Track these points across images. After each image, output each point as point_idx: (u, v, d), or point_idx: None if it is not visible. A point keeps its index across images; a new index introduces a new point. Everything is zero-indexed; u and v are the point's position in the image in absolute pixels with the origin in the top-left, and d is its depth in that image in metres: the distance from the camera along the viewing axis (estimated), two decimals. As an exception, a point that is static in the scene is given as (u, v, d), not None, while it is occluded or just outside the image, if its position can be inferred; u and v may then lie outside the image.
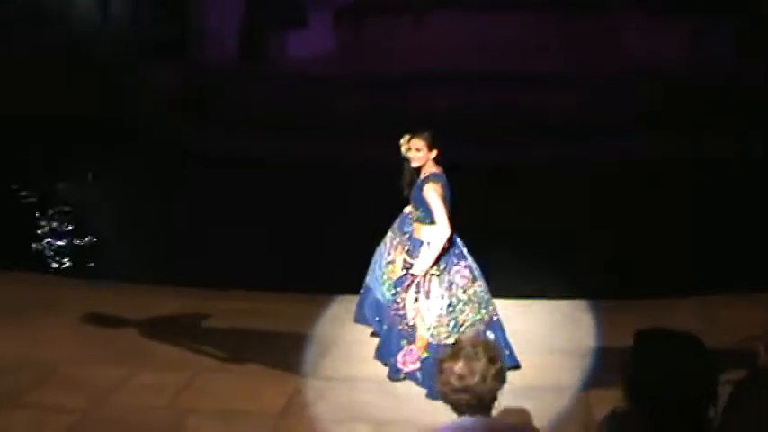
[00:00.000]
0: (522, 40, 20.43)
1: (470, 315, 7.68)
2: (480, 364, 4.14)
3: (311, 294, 10.12)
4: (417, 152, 7.59)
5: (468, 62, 19.08)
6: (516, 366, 7.88)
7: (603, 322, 9.10)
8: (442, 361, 4.33)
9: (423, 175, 7.69)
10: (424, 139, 7.56)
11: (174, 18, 21.54)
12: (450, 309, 7.64)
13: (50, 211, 14.76)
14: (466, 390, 4.12)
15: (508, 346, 7.88)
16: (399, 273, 7.95)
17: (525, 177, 14.76)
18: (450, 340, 7.32)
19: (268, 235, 12.72)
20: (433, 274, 7.66)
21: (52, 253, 13.20)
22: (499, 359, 4.29)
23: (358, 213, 12.61)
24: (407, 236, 7.95)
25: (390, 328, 7.96)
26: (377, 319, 8.38)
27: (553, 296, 9.97)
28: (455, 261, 7.73)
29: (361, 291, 8.57)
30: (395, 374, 7.94)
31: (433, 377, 6.84)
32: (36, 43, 21.00)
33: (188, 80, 19.83)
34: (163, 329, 9.39)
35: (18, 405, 8.01)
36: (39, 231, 14.08)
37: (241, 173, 15.26)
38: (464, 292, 7.69)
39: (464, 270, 7.73)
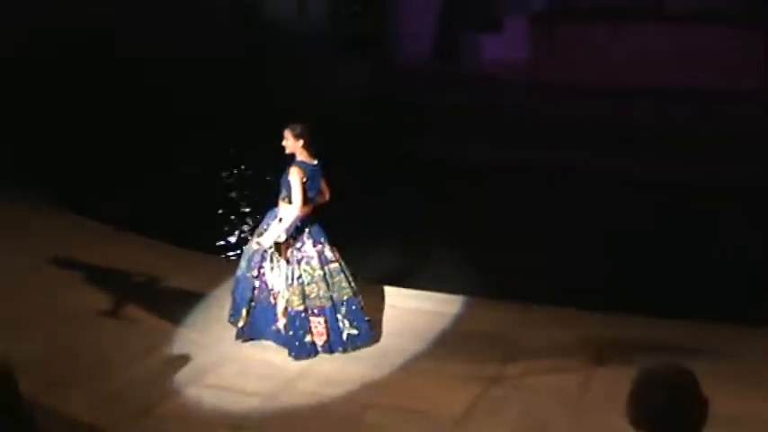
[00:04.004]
0: (722, 55, 19.65)
1: (317, 291, 8.53)
2: (679, 394, 3.78)
3: (500, 300, 10.06)
4: (286, 141, 8.55)
5: (663, 76, 18.52)
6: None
7: None
8: (638, 385, 3.94)
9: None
10: (291, 130, 8.52)
11: (370, 15, 21.67)
12: (300, 280, 8.52)
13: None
14: (662, 421, 3.77)
15: (357, 326, 8.70)
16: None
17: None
18: (302, 307, 8.47)
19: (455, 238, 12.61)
20: (287, 247, 8.54)
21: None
22: (700, 390, 3.90)
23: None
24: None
25: (259, 302, 8.74)
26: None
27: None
28: (309, 242, 8.61)
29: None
30: (278, 339, 8.71)
31: (295, 338, 8.41)
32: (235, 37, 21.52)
33: (382, 77, 19.91)
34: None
35: (201, 386, 8.14)
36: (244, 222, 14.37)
37: (424, 171, 15.23)
38: (312, 270, 8.55)
39: (312, 252, 8.59)
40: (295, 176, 8.39)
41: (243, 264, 8.88)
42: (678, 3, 20.16)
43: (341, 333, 8.61)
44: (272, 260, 8.62)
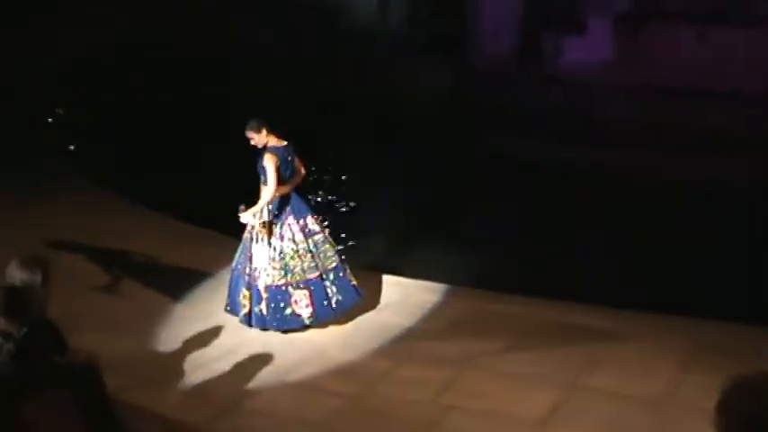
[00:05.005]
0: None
1: (300, 263, 9.09)
2: None
3: (581, 303, 9.95)
4: (251, 139, 9.16)
5: (749, 79, 18.22)
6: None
7: None
8: (727, 392, 3.85)
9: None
10: (249, 129, 9.14)
11: (451, 16, 21.67)
12: (282, 255, 9.07)
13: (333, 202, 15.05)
14: (753, 429, 3.67)
15: (343, 291, 9.31)
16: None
17: None
18: (283, 282, 9.01)
19: (535, 239, 12.54)
20: (266, 226, 9.11)
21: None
22: None
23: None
24: None
25: (237, 278, 9.32)
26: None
27: None
28: (289, 218, 9.16)
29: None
30: (239, 314, 9.26)
31: (276, 311, 8.94)
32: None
33: (462, 78, 19.90)
34: (431, 326, 9.41)
35: (284, 384, 8.25)
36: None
37: (505, 174, 15.19)
38: (294, 243, 9.11)
39: (296, 227, 9.15)
40: (269, 162, 9.00)
41: (236, 256, 9.42)
42: (766, 4, 19.85)
43: (330, 301, 9.18)
44: (258, 242, 9.14)
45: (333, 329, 9.31)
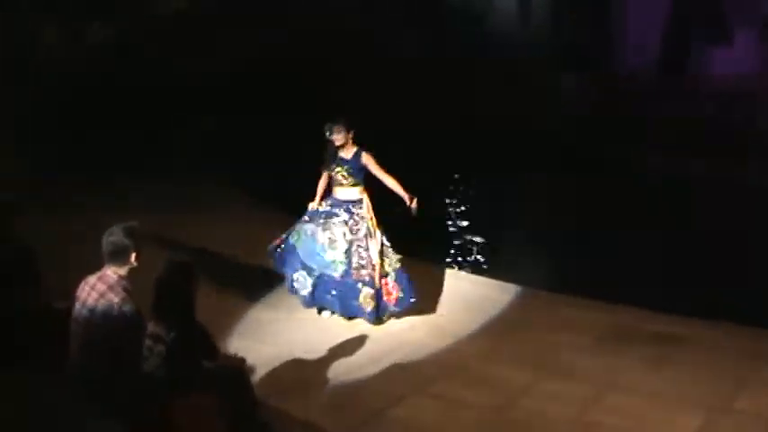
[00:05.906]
0: None
1: (392, 258, 9.63)
2: None
3: (720, 321, 9.75)
4: (338, 134, 9.51)
5: None
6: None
7: None
8: None
9: (352, 149, 9.65)
10: (344, 124, 9.52)
11: (593, 27, 21.49)
12: (381, 251, 9.54)
13: (462, 211, 15.01)
14: None
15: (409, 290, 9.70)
16: (344, 247, 9.58)
17: None
18: (381, 272, 9.47)
19: (682, 255, 12.27)
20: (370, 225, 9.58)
21: (468, 252, 13.36)
22: None
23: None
24: (333, 211, 9.68)
25: (353, 284, 9.52)
26: (333, 293, 9.68)
27: None
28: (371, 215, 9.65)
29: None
30: (370, 316, 9.54)
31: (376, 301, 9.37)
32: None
33: (605, 89, 19.69)
34: (574, 340, 9.29)
35: (426, 395, 8.21)
36: (454, 229, 14.38)
37: (646, 187, 14.97)
38: (387, 239, 9.66)
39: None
40: (372, 160, 9.56)
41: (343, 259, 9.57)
42: None
43: (389, 297, 9.62)
44: (372, 237, 9.55)
45: (474, 341, 9.32)
